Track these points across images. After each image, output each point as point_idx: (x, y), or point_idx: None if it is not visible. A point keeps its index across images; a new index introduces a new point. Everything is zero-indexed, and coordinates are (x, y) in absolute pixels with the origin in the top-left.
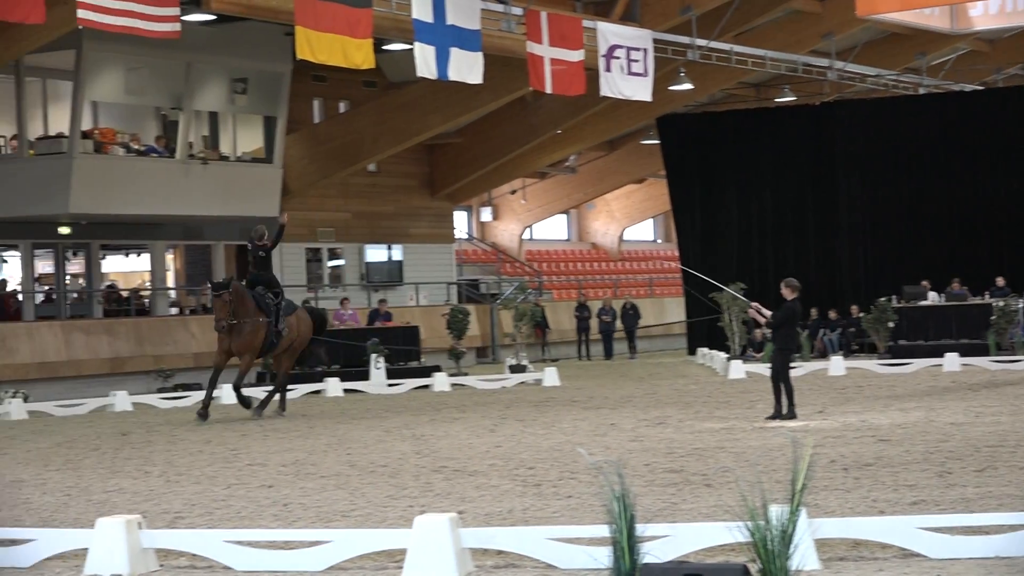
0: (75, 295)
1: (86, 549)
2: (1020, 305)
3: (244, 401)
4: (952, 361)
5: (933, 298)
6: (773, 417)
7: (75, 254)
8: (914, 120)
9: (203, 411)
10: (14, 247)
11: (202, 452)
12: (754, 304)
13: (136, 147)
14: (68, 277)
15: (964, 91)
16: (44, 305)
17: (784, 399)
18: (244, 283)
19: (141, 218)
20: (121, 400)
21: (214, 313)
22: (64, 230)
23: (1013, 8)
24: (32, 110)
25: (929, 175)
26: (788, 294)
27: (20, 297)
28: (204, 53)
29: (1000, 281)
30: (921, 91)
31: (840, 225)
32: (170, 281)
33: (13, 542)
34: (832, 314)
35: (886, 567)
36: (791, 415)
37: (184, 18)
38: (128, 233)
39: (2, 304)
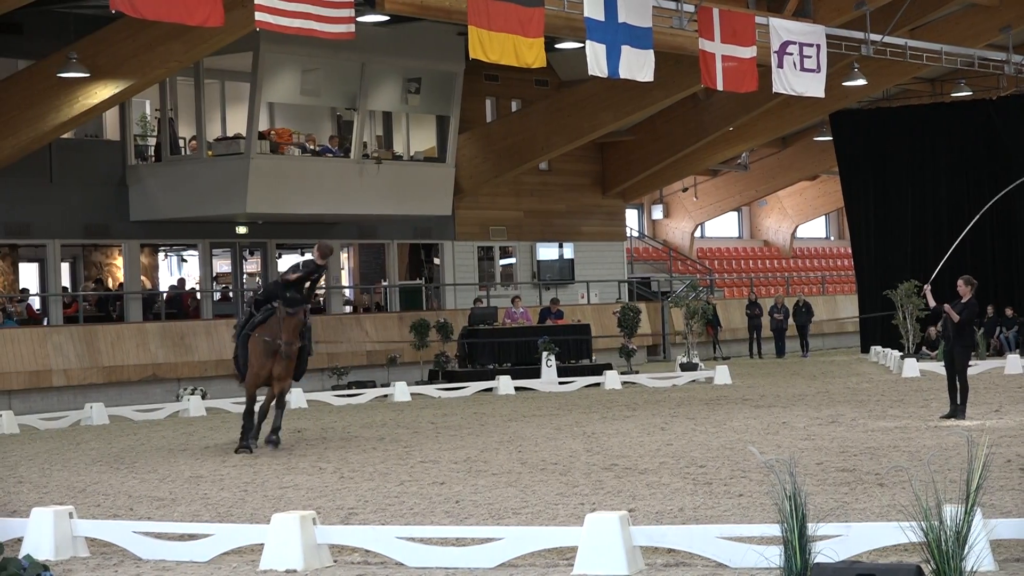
0: (252, 293)
1: (262, 544)
2: None
3: (251, 429)
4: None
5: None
6: (948, 416)
7: (252, 253)
8: None
9: (248, 444)
10: (193, 247)
11: (375, 449)
12: (945, 306)
13: (311, 147)
14: (245, 276)
15: None
16: (221, 303)
17: (959, 398)
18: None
19: (316, 217)
20: (296, 397)
21: (283, 332)
22: (241, 230)
23: None
24: (211, 112)
25: None
26: (966, 291)
27: (199, 295)
28: (378, 54)
29: None
30: None
31: (1018, 221)
32: (344, 280)
33: (191, 536)
34: (1009, 312)
35: None
36: (961, 414)
37: (358, 19)
38: (303, 232)
39: (181, 302)
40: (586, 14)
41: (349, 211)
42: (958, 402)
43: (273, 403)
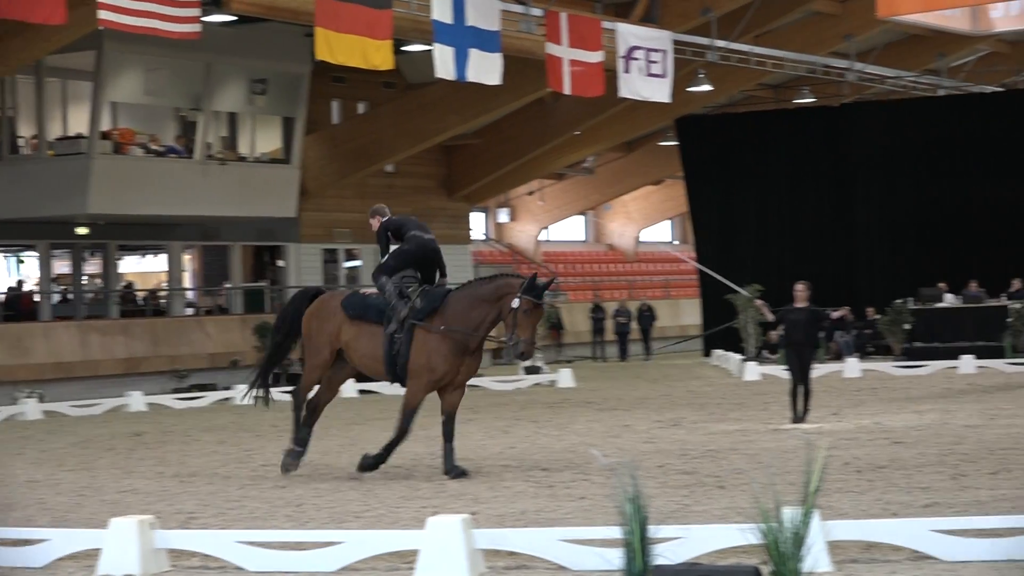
0: (92, 295)
1: (99, 549)
2: None
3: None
4: (968, 363)
5: (949, 300)
6: (797, 420)
7: (92, 254)
8: (933, 122)
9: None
10: (32, 247)
11: (216, 453)
12: (757, 301)
13: (155, 147)
14: (85, 277)
15: (984, 93)
16: (61, 305)
17: (804, 402)
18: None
19: (159, 219)
20: (136, 400)
21: (524, 329)
22: (82, 230)
23: None
24: (52, 111)
25: (947, 177)
26: (803, 296)
27: (37, 297)
28: (224, 54)
29: (1017, 283)
30: (940, 93)
31: (857, 226)
32: (187, 282)
33: (27, 542)
34: (848, 316)
35: (898, 569)
36: (803, 417)
37: (204, 19)
38: (145, 234)
39: (19, 304)
40: (434, 17)
41: (192, 212)
42: (804, 406)
43: (445, 420)
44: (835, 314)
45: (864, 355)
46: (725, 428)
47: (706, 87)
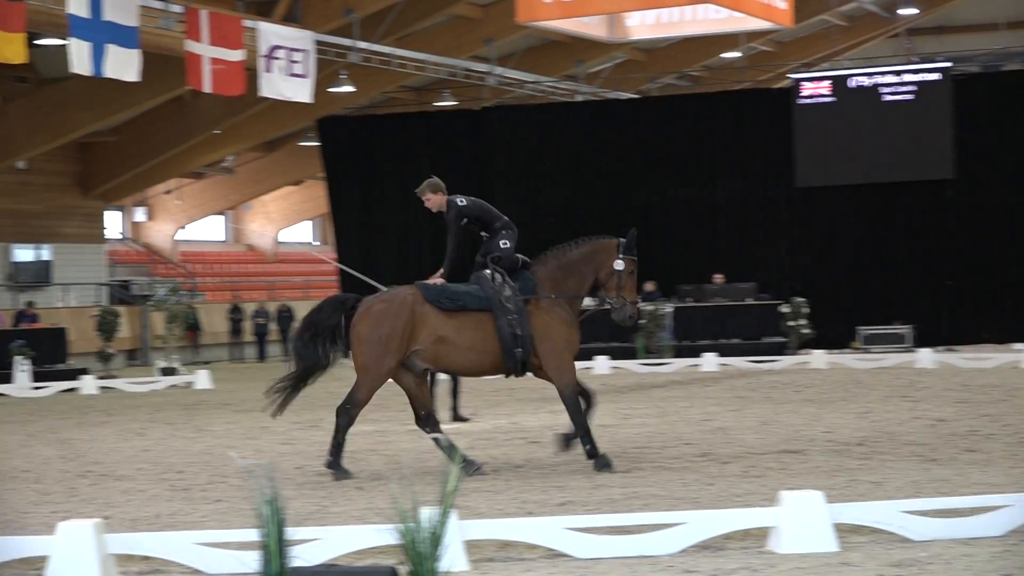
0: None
1: None
2: (668, 309)
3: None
4: (602, 364)
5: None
6: (459, 420)
7: None
8: (572, 126)
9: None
10: None
11: None
12: None
13: None
14: None
15: (620, 99)
16: None
17: (451, 400)
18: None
19: None
20: None
21: (634, 283)
22: None
23: (668, 19)
24: None
25: (585, 181)
26: None
27: None
28: None
29: (649, 286)
30: (579, 98)
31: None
32: None
33: None
34: None
35: (533, 567)
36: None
37: None
38: None
39: None
40: (70, 11)
41: None
42: (452, 406)
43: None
44: None
45: None
46: (364, 429)
47: (348, 88)
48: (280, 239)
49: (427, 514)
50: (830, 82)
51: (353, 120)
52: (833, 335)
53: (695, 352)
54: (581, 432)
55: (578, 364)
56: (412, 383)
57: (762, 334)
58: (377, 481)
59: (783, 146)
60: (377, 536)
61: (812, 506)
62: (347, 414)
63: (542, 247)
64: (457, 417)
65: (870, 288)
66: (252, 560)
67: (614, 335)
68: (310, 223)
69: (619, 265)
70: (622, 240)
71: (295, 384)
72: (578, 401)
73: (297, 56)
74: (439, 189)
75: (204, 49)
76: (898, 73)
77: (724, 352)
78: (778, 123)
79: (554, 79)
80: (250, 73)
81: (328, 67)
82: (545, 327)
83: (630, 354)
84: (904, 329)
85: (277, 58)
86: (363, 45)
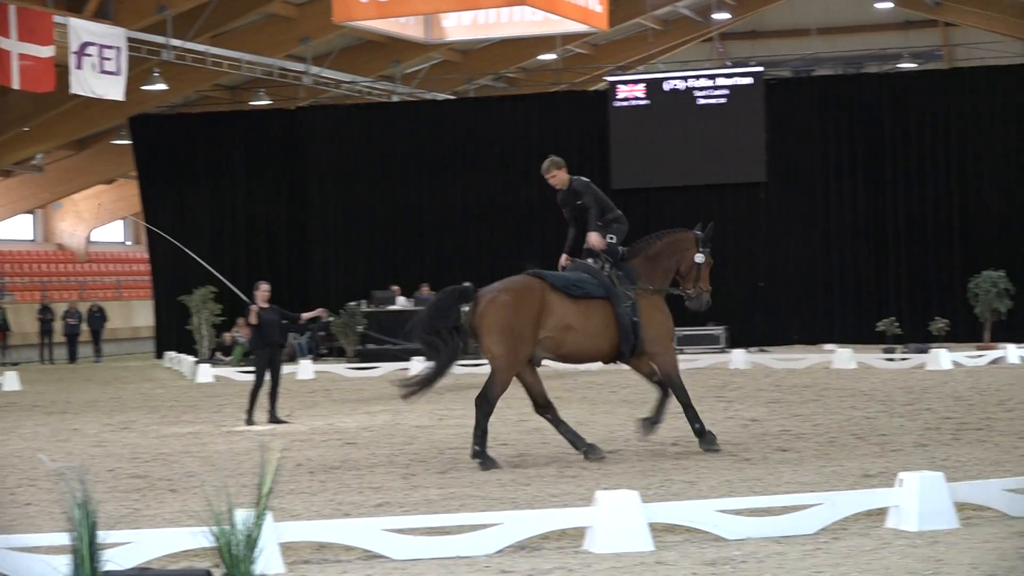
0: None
1: None
2: None
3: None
4: (418, 365)
5: (402, 303)
6: (275, 421)
7: None
8: (388, 127)
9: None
10: None
11: None
12: (253, 307)
13: None
14: None
15: (436, 100)
16: None
17: (268, 402)
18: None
19: None
20: None
21: (708, 274)
22: None
23: (485, 20)
24: None
25: (401, 181)
26: (265, 296)
27: None
28: None
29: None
30: (395, 98)
31: (312, 229)
32: None
33: None
34: (323, 316)
35: (350, 569)
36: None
37: None
38: None
39: None
40: None
41: None
42: (274, 406)
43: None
44: (306, 315)
45: (318, 357)
46: (178, 431)
47: (161, 86)
48: (92, 238)
49: (242, 516)
50: (645, 85)
51: (166, 118)
52: None
53: None
54: (689, 413)
55: (394, 365)
56: (529, 373)
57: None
58: (191, 483)
59: (599, 148)
60: (191, 539)
61: (627, 506)
62: (487, 404)
63: (359, 247)
64: (274, 419)
65: None
66: (63, 564)
67: None
68: (122, 222)
69: (699, 258)
70: (698, 233)
71: (431, 379)
72: (684, 389)
73: (109, 53)
74: (564, 166)
75: (13, 45)
76: (712, 77)
77: None
78: (594, 125)
79: (370, 79)
80: (61, 70)
81: (141, 65)
82: (650, 315)
83: None
84: (718, 330)
85: (88, 55)
86: (176, 43)
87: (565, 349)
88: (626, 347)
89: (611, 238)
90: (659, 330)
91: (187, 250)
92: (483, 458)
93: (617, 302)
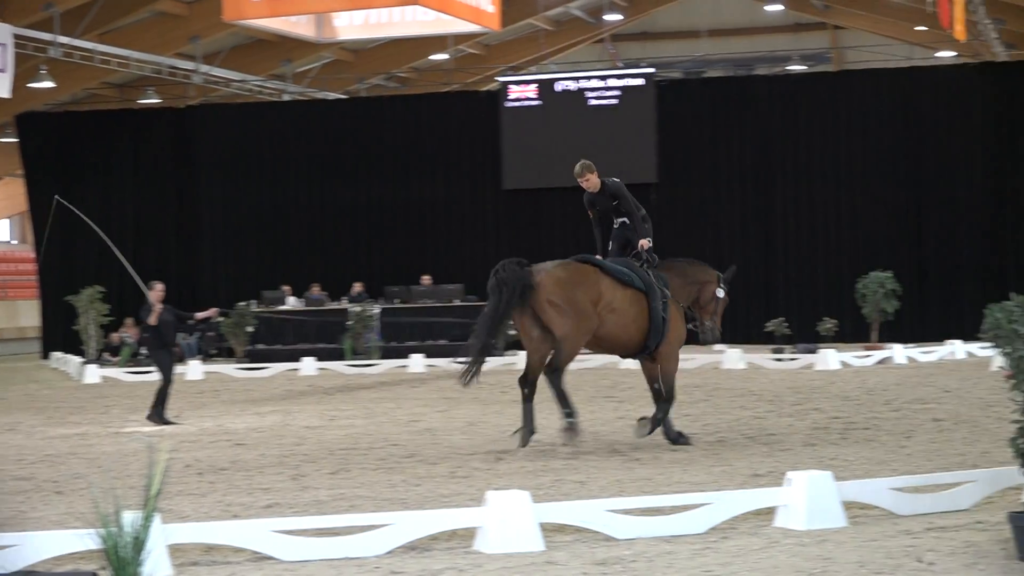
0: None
1: None
2: (376, 311)
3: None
4: (309, 365)
5: (292, 303)
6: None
7: None
8: (279, 126)
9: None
10: None
11: None
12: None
13: None
14: None
15: (328, 99)
16: None
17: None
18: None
19: None
20: None
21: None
22: None
23: (377, 20)
24: None
25: (291, 181)
26: (159, 296)
27: None
28: None
29: (357, 287)
30: (286, 97)
31: (203, 228)
32: None
33: None
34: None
35: (239, 571)
36: (158, 419)
37: None
38: None
39: None
40: None
41: None
42: (158, 406)
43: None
44: (200, 315)
45: (207, 357)
46: (64, 432)
47: (48, 84)
48: None
49: (129, 518)
50: (537, 86)
51: (54, 116)
52: None
53: (403, 353)
54: (665, 411)
55: (284, 366)
56: (545, 348)
57: (470, 336)
58: (78, 485)
59: (491, 148)
60: (78, 541)
61: (518, 506)
62: (557, 375)
63: (249, 247)
64: (162, 420)
65: None
66: None
67: (321, 337)
68: (7, 221)
69: (720, 293)
70: (721, 274)
71: (484, 353)
72: (674, 388)
73: None
74: (595, 169)
75: None
76: (603, 78)
77: (431, 353)
78: (486, 125)
79: (261, 78)
80: None
81: (27, 62)
82: (674, 318)
83: (337, 355)
84: None
85: None
86: (64, 40)
87: (604, 331)
88: (652, 342)
89: (650, 242)
90: (676, 333)
91: (108, 241)
92: (573, 419)
93: (654, 297)
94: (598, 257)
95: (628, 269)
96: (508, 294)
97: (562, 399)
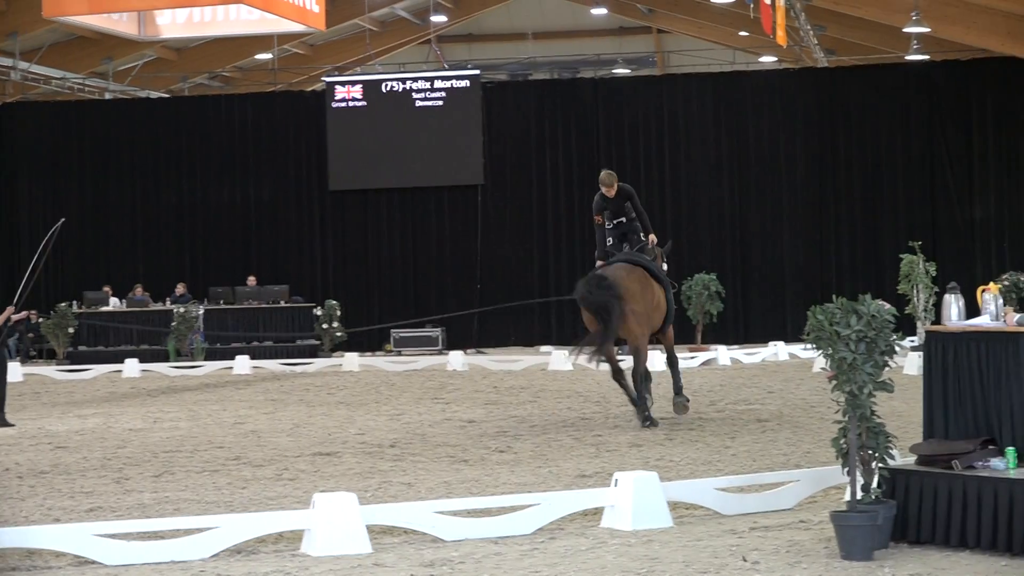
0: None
1: None
2: (200, 312)
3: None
4: (132, 367)
5: (115, 304)
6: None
7: None
8: (100, 125)
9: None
10: None
11: None
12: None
13: None
14: None
15: (150, 98)
16: None
17: None
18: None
19: None
20: None
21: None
22: None
23: (200, 18)
24: None
25: (113, 181)
26: None
27: None
28: None
29: (181, 288)
30: (107, 96)
31: (21, 229)
32: None
33: None
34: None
35: None
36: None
37: None
38: None
39: None
40: None
41: None
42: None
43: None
44: (16, 316)
45: (27, 359)
46: None
47: None
48: None
49: None
50: (362, 86)
51: None
52: (366, 337)
53: (228, 355)
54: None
55: (107, 368)
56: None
57: (295, 336)
58: None
59: (316, 149)
60: None
61: (345, 508)
62: (645, 374)
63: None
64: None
65: (403, 291)
66: None
67: (143, 338)
68: None
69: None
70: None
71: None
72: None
73: None
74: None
75: None
76: (429, 79)
77: (257, 355)
78: (311, 126)
79: (82, 76)
80: None
81: None
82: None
83: (161, 356)
84: (435, 332)
85: None
86: None
87: (651, 324)
88: (666, 326)
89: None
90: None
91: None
92: (644, 406)
93: (667, 288)
94: (645, 257)
95: (650, 265)
96: (610, 319)
97: (640, 398)
